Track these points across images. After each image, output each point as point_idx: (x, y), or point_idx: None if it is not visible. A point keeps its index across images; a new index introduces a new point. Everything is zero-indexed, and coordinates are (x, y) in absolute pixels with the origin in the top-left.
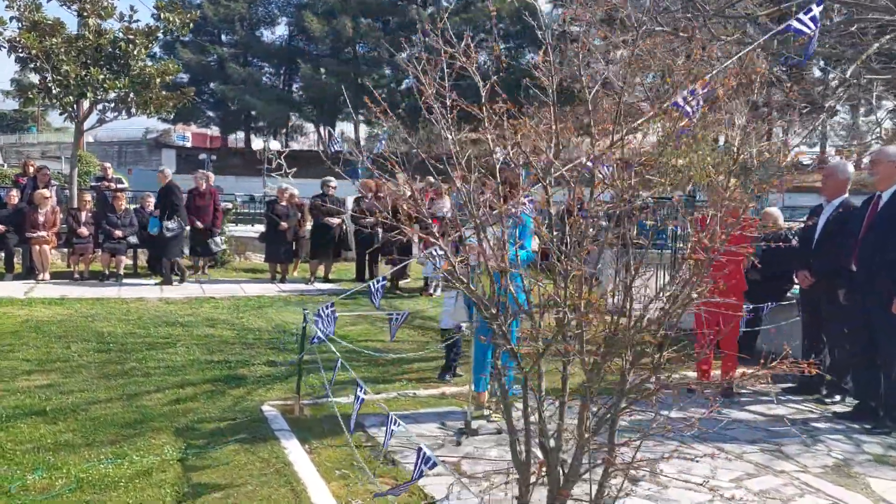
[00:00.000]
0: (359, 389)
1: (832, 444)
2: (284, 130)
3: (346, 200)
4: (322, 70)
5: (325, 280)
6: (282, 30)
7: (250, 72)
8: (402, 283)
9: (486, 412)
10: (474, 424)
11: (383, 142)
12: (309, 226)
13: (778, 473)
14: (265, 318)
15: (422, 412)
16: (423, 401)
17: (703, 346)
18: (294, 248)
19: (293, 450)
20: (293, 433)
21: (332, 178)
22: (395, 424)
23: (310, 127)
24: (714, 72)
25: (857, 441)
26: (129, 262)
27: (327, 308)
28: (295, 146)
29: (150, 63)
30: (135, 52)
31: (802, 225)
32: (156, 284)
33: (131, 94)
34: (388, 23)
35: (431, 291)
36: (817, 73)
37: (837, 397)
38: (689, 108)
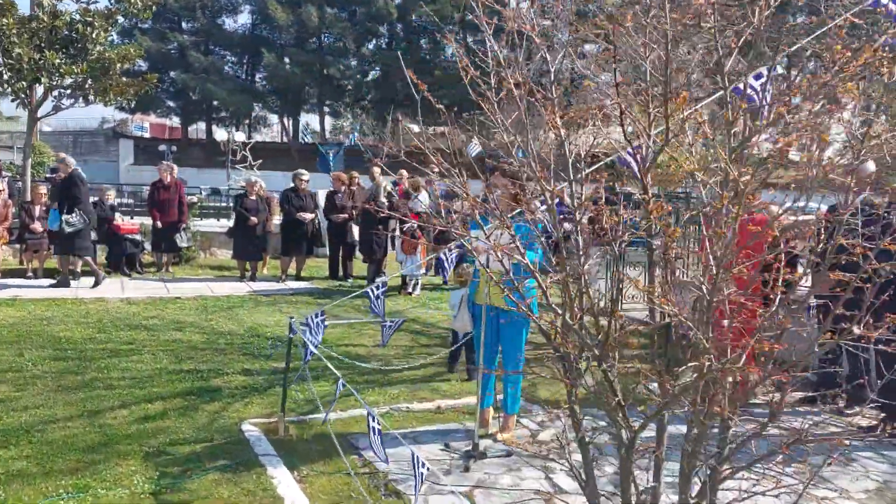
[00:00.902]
0: (371, 419)
1: (867, 463)
2: (247, 121)
3: (317, 194)
4: (286, 60)
5: (298, 278)
6: (245, 18)
7: (212, 61)
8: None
9: (490, 431)
10: (481, 445)
11: (355, 134)
12: (277, 220)
13: (820, 501)
14: (236, 321)
15: (420, 430)
16: (419, 416)
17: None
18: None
19: (282, 479)
20: (280, 458)
21: (304, 171)
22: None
23: (274, 118)
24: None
25: (891, 460)
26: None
27: (317, 316)
28: (259, 138)
29: (109, 47)
30: (93, 36)
31: None
32: (49, 286)
33: (89, 81)
34: (355, 13)
35: (410, 290)
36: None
37: (856, 408)
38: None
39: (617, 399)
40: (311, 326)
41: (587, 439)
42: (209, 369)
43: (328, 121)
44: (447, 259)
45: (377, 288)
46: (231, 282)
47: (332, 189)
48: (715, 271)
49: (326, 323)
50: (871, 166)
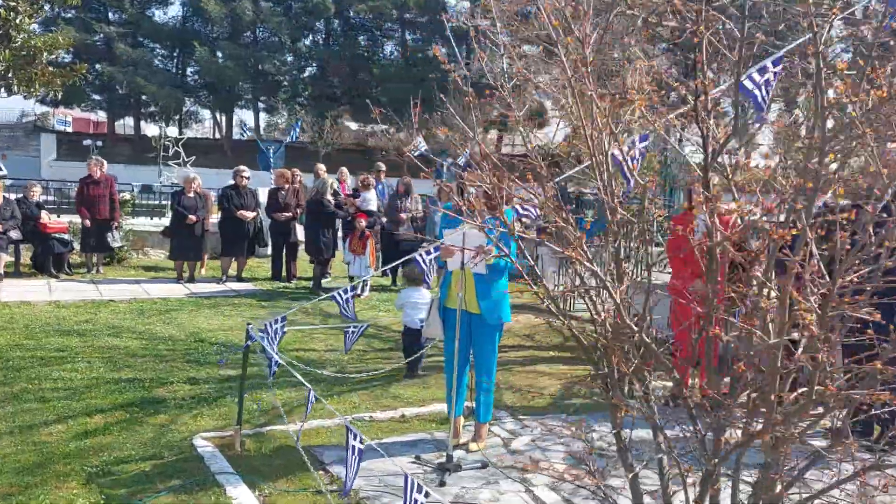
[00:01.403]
0: (352, 437)
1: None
2: (178, 116)
3: (257, 192)
4: (219, 54)
5: (239, 279)
6: (175, 10)
7: (141, 53)
8: (324, 282)
9: (462, 441)
10: (455, 457)
11: (296, 130)
12: (214, 219)
13: None
14: (176, 325)
15: (387, 442)
16: (383, 425)
17: (681, 352)
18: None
19: (243, 500)
20: (239, 476)
21: (245, 168)
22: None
23: (206, 113)
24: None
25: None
26: (11, 259)
27: (276, 322)
28: (190, 133)
29: (33, 35)
30: (16, 22)
31: None
32: None
33: (11, 70)
34: (291, 8)
35: (359, 292)
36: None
37: None
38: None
39: (697, 427)
40: (270, 333)
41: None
42: (151, 378)
43: (263, 117)
44: (425, 262)
45: (345, 292)
46: (167, 283)
47: (274, 186)
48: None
49: (285, 329)
50: None
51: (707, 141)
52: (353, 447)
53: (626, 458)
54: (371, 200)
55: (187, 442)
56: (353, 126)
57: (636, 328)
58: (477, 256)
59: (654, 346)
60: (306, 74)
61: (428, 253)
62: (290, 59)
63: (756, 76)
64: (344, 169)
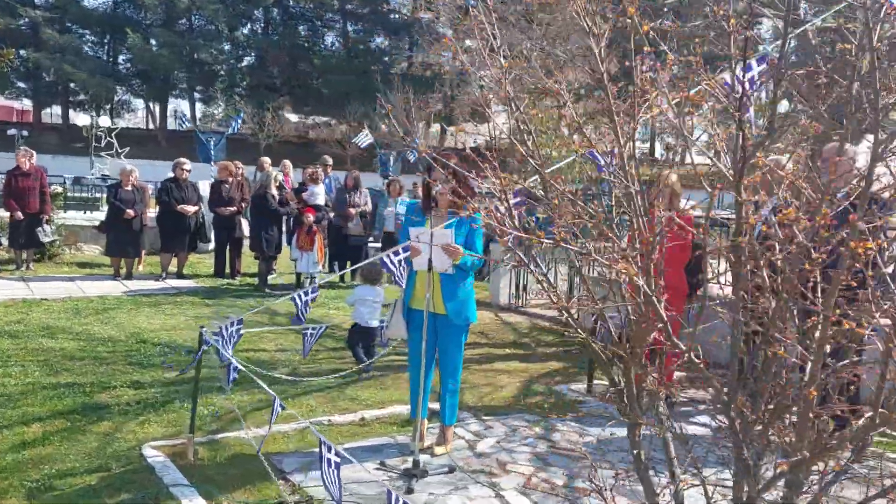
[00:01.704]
0: (325, 449)
1: None
2: (109, 106)
3: (198, 185)
4: (153, 42)
5: (180, 276)
6: None
7: (69, 39)
8: (269, 278)
9: (426, 444)
10: (421, 462)
11: (238, 121)
12: (152, 213)
13: None
14: (116, 325)
15: (349, 447)
16: (343, 430)
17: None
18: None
19: None
20: (194, 488)
21: (186, 160)
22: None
23: (139, 103)
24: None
25: None
26: None
27: (232, 325)
28: (122, 123)
29: None
30: None
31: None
32: None
33: None
34: None
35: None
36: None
37: None
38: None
39: (739, 447)
40: (225, 336)
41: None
42: (92, 383)
43: (199, 107)
44: (394, 263)
45: (304, 294)
46: (104, 280)
47: (217, 179)
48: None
49: (241, 332)
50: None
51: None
52: (329, 460)
53: (648, 480)
54: (319, 195)
55: (136, 452)
56: (294, 118)
57: (684, 347)
58: (447, 256)
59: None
60: (244, 64)
61: (396, 254)
62: (227, 47)
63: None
64: (287, 162)
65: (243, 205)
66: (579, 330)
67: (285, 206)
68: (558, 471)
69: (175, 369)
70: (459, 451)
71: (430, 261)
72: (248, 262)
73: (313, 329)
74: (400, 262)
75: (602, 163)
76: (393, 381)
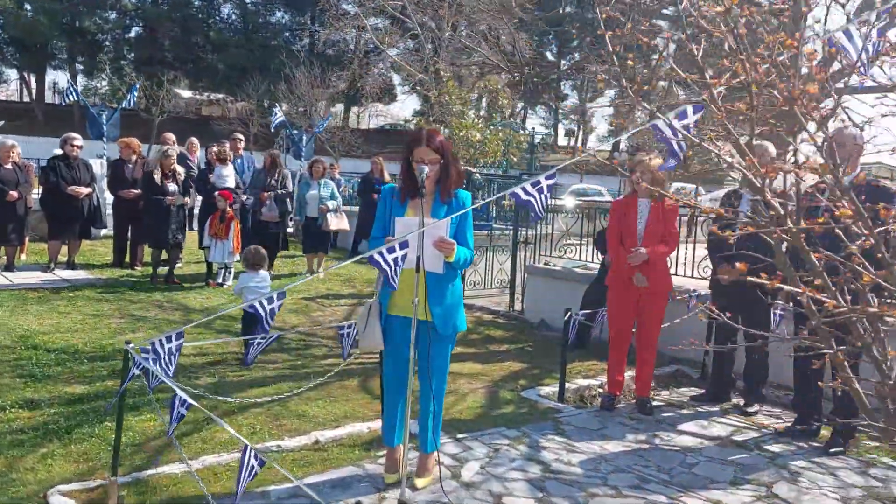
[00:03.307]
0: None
1: (813, 476)
2: None
3: (91, 164)
4: (28, 7)
5: (71, 266)
6: None
7: None
8: (176, 269)
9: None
10: (408, 499)
11: (134, 94)
12: (35, 195)
13: None
14: None
15: (311, 482)
16: (296, 457)
17: (618, 351)
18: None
19: None
20: None
21: (77, 136)
22: None
23: (12, 73)
24: None
25: (830, 469)
26: None
27: (169, 340)
28: None
29: None
30: None
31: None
32: None
33: None
34: None
35: (221, 281)
36: (551, 58)
37: (756, 406)
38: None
39: None
40: (162, 355)
41: None
42: None
43: (80, 80)
44: (387, 262)
45: (269, 301)
46: None
47: (118, 158)
48: None
49: (182, 345)
50: (771, 148)
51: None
52: None
53: None
54: (228, 177)
55: (40, 500)
56: (187, 94)
57: None
58: (439, 253)
59: None
60: (132, 35)
61: (391, 251)
62: (112, 16)
63: (675, 122)
64: (194, 140)
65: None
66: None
67: (170, 193)
68: (560, 501)
69: (76, 380)
70: (444, 480)
71: (419, 259)
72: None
73: (264, 338)
74: (395, 260)
75: (675, 148)
76: (341, 392)
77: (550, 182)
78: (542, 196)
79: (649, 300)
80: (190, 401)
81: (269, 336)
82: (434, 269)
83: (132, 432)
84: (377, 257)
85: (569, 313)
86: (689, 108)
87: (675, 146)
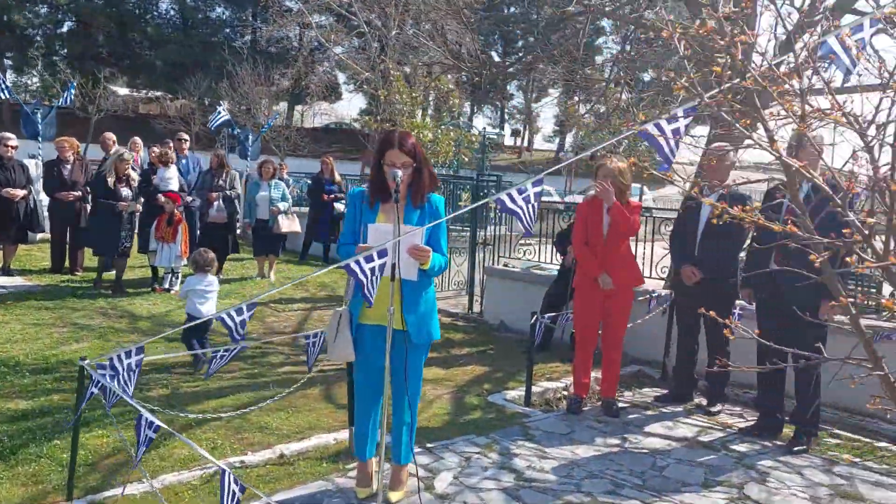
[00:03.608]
0: None
1: (781, 476)
2: None
3: (27, 165)
4: None
5: (7, 272)
6: None
7: None
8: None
9: (374, 489)
10: None
11: (71, 92)
12: None
13: None
14: None
15: (281, 500)
16: (261, 472)
17: (584, 352)
18: None
19: None
20: None
21: (11, 135)
22: None
23: None
24: None
25: (796, 468)
26: None
27: (130, 354)
28: None
29: None
30: None
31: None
32: None
33: None
34: None
35: (167, 286)
36: (496, 58)
37: (719, 405)
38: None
39: None
40: (120, 371)
41: None
42: None
43: (9, 76)
44: (363, 272)
45: (237, 312)
46: None
47: (55, 158)
48: None
49: (141, 356)
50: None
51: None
52: None
53: None
54: (171, 179)
55: None
56: (124, 91)
57: None
58: (413, 260)
59: None
60: (64, 30)
61: (369, 259)
62: (43, 10)
63: (664, 124)
64: (136, 139)
65: (88, 189)
66: None
67: (122, 199)
68: None
69: (21, 395)
70: (418, 494)
71: (393, 267)
72: (91, 254)
73: (227, 349)
74: (373, 270)
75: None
76: (303, 402)
77: (538, 189)
78: (530, 206)
79: (616, 296)
80: (158, 423)
81: (233, 348)
82: (408, 277)
83: (84, 450)
84: (354, 266)
85: (535, 316)
86: (680, 110)
87: (667, 150)
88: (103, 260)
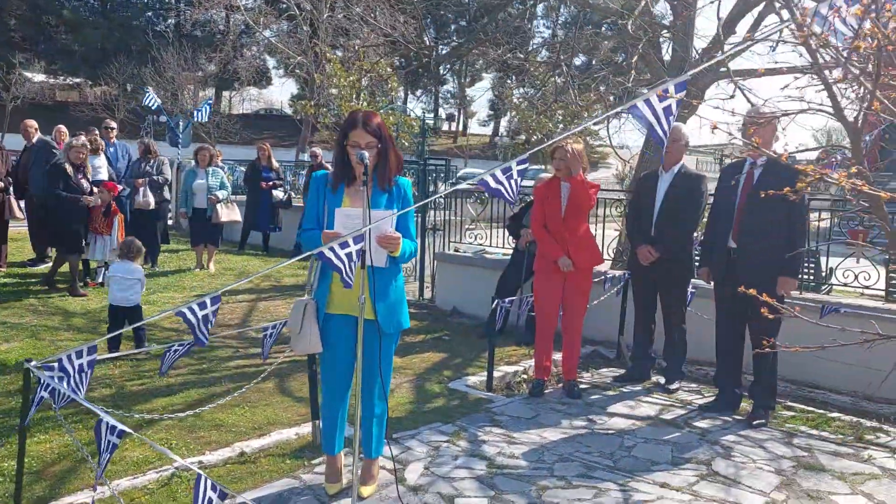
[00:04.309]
0: None
1: (745, 451)
2: None
3: None
4: None
5: None
6: None
7: None
8: (41, 268)
9: (344, 484)
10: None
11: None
12: None
13: None
14: None
15: (247, 500)
16: (221, 472)
17: (545, 336)
18: None
19: None
20: None
21: None
22: None
23: None
24: None
25: (758, 442)
26: None
27: (80, 354)
28: None
29: None
30: None
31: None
32: None
33: None
34: None
35: (101, 281)
36: (428, 42)
37: (677, 383)
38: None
39: None
40: (71, 372)
41: None
42: None
43: None
44: (340, 258)
45: (201, 307)
46: None
47: None
48: None
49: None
50: (685, 130)
51: None
52: None
53: None
54: (101, 168)
55: None
56: (40, 77)
57: None
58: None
59: None
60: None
61: (344, 245)
62: None
63: (654, 101)
64: (62, 127)
65: (10, 181)
66: None
67: (84, 191)
68: (514, 498)
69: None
70: (389, 486)
71: (364, 253)
72: (18, 249)
73: (181, 344)
74: (349, 255)
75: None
76: (258, 396)
77: (522, 167)
78: (513, 182)
79: (576, 278)
80: (123, 428)
81: (186, 343)
82: (378, 264)
83: (27, 457)
84: (329, 253)
85: (496, 301)
86: (672, 85)
87: (659, 130)
88: (76, 257)
